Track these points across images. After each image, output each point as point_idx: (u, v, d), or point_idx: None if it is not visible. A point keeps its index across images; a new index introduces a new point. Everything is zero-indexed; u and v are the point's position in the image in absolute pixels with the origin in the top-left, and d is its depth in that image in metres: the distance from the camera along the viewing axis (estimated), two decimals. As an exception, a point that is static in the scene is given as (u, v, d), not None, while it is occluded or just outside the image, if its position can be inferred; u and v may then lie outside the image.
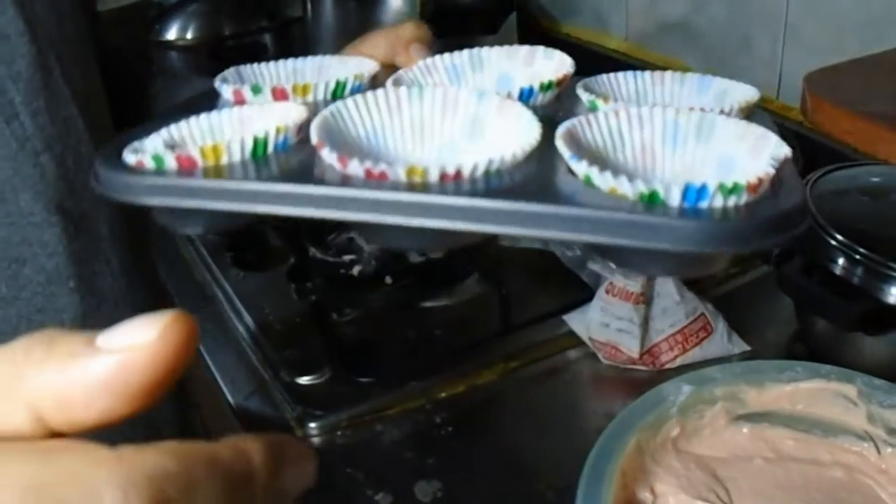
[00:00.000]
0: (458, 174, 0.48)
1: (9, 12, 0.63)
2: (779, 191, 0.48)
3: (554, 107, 0.59)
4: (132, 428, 0.34)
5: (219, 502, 0.30)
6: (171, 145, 0.54)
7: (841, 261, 0.89)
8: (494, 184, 0.49)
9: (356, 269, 0.97)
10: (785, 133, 1.22)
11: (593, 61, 1.70)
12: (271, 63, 0.66)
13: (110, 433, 0.32)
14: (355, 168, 0.48)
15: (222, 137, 0.56)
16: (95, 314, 0.69)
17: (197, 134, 0.56)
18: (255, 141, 0.52)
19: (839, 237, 0.88)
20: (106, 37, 1.89)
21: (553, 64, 0.64)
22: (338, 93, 0.61)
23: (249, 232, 1.28)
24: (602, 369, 0.98)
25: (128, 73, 0.82)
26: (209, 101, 0.62)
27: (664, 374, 0.95)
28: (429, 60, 0.65)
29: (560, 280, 1.01)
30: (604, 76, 0.63)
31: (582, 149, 0.51)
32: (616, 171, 0.48)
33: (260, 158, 0.53)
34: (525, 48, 0.65)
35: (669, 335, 0.96)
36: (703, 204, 0.46)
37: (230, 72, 0.65)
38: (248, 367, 1.03)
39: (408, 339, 1.05)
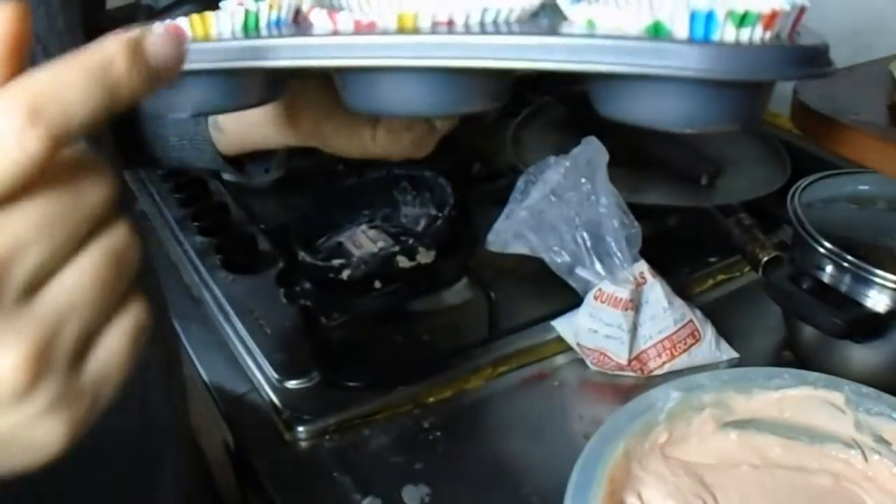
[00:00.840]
0: (450, 21, 0.48)
1: None
2: (796, 37, 0.48)
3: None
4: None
5: (86, 95, 0.35)
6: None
7: (829, 268, 0.89)
8: (488, 30, 0.48)
9: (345, 274, 0.97)
10: (771, 133, 1.22)
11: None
12: None
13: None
14: (344, 20, 0.49)
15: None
16: None
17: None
18: (247, 14, 0.52)
19: (827, 245, 0.88)
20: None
21: None
22: None
23: (238, 235, 1.28)
24: (590, 375, 0.98)
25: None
26: None
27: (652, 380, 0.96)
28: None
29: (548, 285, 1.01)
30: None
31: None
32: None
33: (252, 32, 0.53)
34: None
35: (657, 341, 0.96)
36: (715, 35, 0.45)
37: None
38: (237, 370, 1.03)
39: (396, 343, 1.05)
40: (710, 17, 0.44)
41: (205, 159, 0.89)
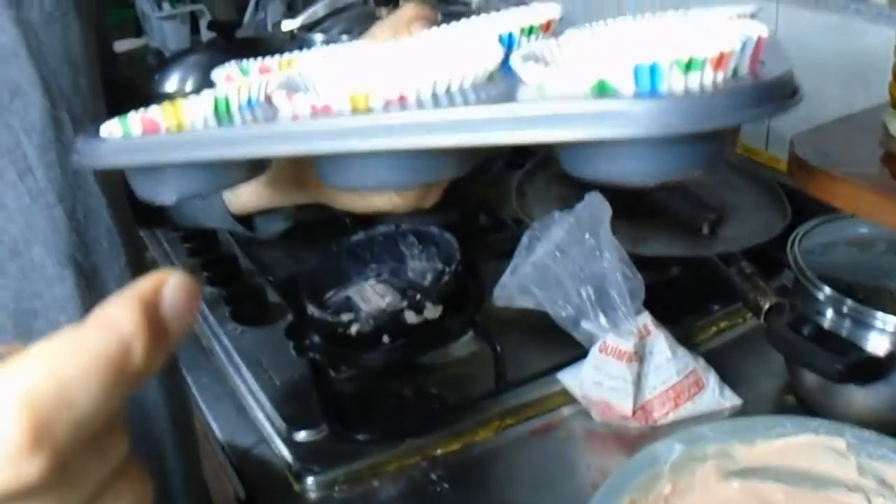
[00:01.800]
0: (402, 98, 0.47)
1: (24, 65, 0.64)
2: (760, 67, 0.46)
3: None
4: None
5: (101, 399, 0.32)
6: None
7: (829, 313, 0.90)
8: (441, 104, 0.47)
9: (354, 329, 0.98)
10: (770, 178, 1.23)
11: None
12: (268, 57, 0.66)
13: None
14: (300, 103, 0.48)
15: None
16: None
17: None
18: (216, 100, 0.53)
19: (827, 290, 0.89)
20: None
21: (542, 12, 0.62)
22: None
23: (247, 286, 1.29)
24: (595, 426, 0.99)
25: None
26: None
27: (657, 429, 0.97)
28: (425, 33, 0.65)
29: (553, 338, 1.02)
30: (598, 22, 0.59)
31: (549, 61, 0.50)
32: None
33: (223, 116, 0.53)
34: (520, 7, 0.64)
35: (662, 392, 0.97)
36: (662, 86, 0.43)
37: (229, 63, 0.65)
38: (247, 421, 1.04)
39: (404, 396, 1.06)
40: (653, 69, 0.42)
41: (215, 219, 0.90)
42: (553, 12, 0.61)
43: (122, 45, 2.30)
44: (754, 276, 1.04)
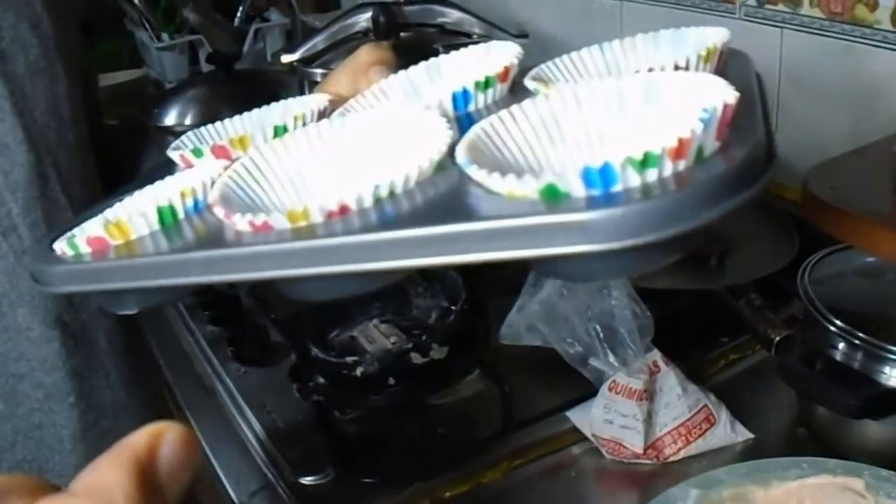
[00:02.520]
0: (343, 209, 0.44)
1: (8, 120, 0.63)
2: (733, 135, 0.41)
3: (507, 103, 0.50)
4: None
5: None
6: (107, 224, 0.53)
7: (841, 346, 0.89)
8: (386, 213, 0.45)
9: (359, 371, 0.97)
10: (778, 206, 1.22)
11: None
12: (227, 120, 0.65)
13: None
14: (240, 222, 0.46)
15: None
16: (95, 428, 0.68)
17: (132, 209, 0.55)
18: (160, 211, 0.51)
19: (838, 323, 0.88)
20: (110, 113, 1.91)
21: (499, 58, 0.59)
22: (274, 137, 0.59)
23: (249, 326, 1.28)
24: (606, 464, 0.97)
25: (128, 166, 0.83)
26: (166, 170, 0.60)
27: (668, 466, 0.95)
28: (383, 82, 0.63)
29: (562, 376, 1.01)
30: (567, 56, 0.57)
31: (499, 151, 0.46)
32: (537, 167, 0.44)
33: (170, 227, 0.51)
34: (479, 47, 0.62)
35: (673, 428, 0.95)
36: (617, 187, 0.38)
37: (187, 136, 0.64)
38: (252, 464, 1.03)
39: (411, 437, 1.05)
40: (605, 169, 0.37)
41: None
42: (510, 56, 0.58)
43: (121, 76, 2.30)
44: (763, 308, 1.03)
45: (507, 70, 0.57)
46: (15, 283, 0.63)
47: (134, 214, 0.51)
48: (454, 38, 1.40)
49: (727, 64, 0.52)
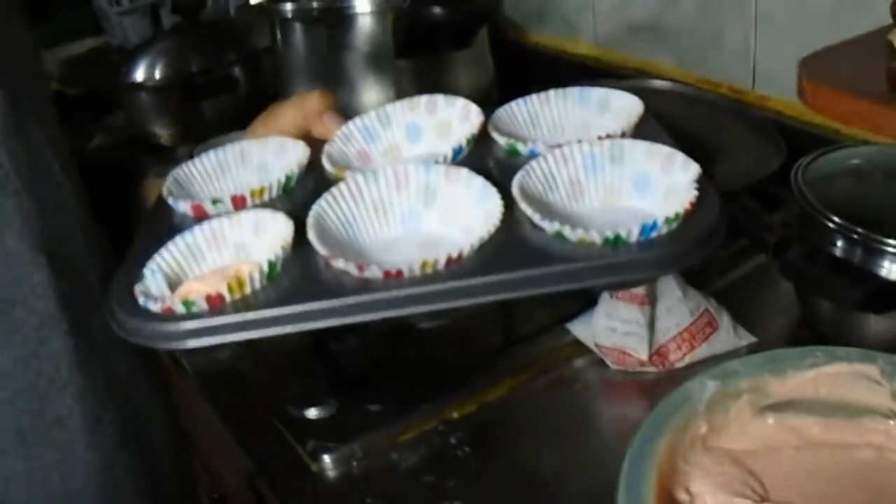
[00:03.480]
0: (459, 257, 0.56)
1: None
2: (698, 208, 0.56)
3: (476, 153, 0.68)
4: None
5: None
6: (171, 282, 0.59)
7: (840, 243, 0.89)
8: (487, 259, 0.56)
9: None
10: (761, 116, 1.23)
11: (563, 68, 1.70)
12: (196, 161, 0.71)
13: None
14: (374, 272, 0.54)
15: (206, 259, 0.61)
16: (91, 359, 0.69)
17: (182, 260, 0.60)
18: (270, 265, 0.57)
19: (836, 219, 0.88)
20: (72, 85, 1.88)
21: (457, 111, 0.71)
22: (287, 187, 0.68)
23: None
24: (611, 374, 0.97)
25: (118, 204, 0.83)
26: (166, 219, 0.67)
27: (674, 373, 0.95)
28: (344, 128, 0.72)
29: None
30: (501, 109, 0.72)
31: (531, 200, 0.59)
32: (561, 212, 0.60)
33: (275, 278, 0.57)
34: (425, 98, 0.73)
35: (676, 334, 0.95)
36: (654, 234, 0.55)
37: (170, 183, 0.69)
38: (255, 404, 1.02)
39: (411, 362, 1.04)
40: (654, 224, 0.55)
41: None
42: (476, 114, 0.70)
43: (82, 46, 2.26)
44: (758, 211, 1.03)
45: (483, 126, 0.69)
46: (1, 205, 0.63)
47: (252, 271, 0.56)
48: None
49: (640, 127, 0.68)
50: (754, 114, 1.36)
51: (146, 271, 0.59)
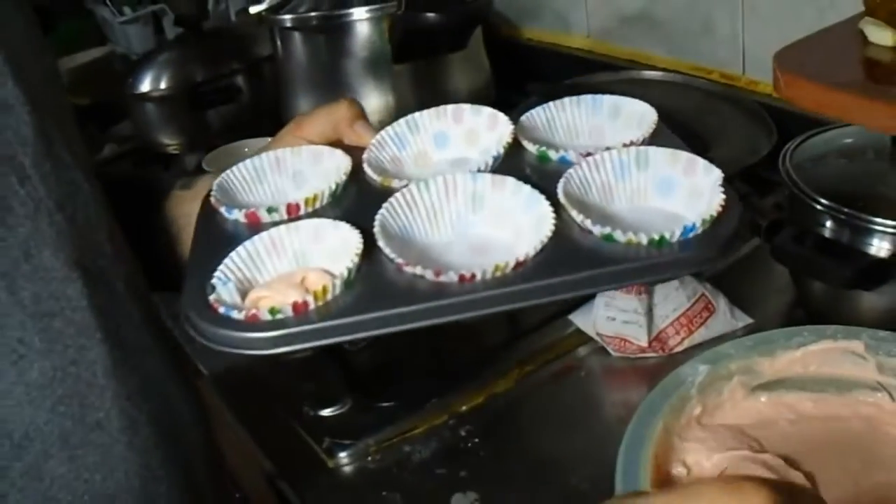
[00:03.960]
0: (526, 260, 0.59)
1: (8, 84, 0.65)
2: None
3: (510, 159, 0.71)
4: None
5: None
6: (239, 289, 0.61)
7: (828, 223, 0.91)
8: (548, 262, 0.59)
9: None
10: (754, 106, 1.24)
11: (557, 62, 1.72)
12: (234, 169, 0.74)
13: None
14: (451, 277, 0.58)
15: (267, 266, 0.64)
16: (126, 365, 0.70)
17: (245, 268, 0.63)
18: (349, 271, 0.59)
19: (824, 201, 0.90)
20: (78, 95, 1.89)
21: (484, 119, 0.75)
22: (336, 193, 0.70)
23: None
24: (613, 361, 1.00)
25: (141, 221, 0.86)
26: (219, 227, 0.70)
27: (674, 357, 0.98)
28: (378, 136, 0.75)
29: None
30: (523, 117, 0.75)
31: (575, 204, 0.62)
32: (597, 214, 0.62)
33: (352, 285, 0.60)
34: (451, 107, 0.76)
35: (674, 319, 0.98)
36: (692, 235, 0.60)
37: (217, 192, 0.73)
38: (270, 405, 1.05)
39: (421, 358, 1.07)
40: (693, 226, 0.59)
41: None
42: (504, 122, 0.74)
43: (87, 56, 2.27)
44: (749, 195, 1.05)
45: (515, 134, 0.72)
46: (37, 226, 0.65)
47: (335, 279, 0.59)
48: None
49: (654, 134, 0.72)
50: (745, 98, 1.38)
51: (216, 281, 0.61)
